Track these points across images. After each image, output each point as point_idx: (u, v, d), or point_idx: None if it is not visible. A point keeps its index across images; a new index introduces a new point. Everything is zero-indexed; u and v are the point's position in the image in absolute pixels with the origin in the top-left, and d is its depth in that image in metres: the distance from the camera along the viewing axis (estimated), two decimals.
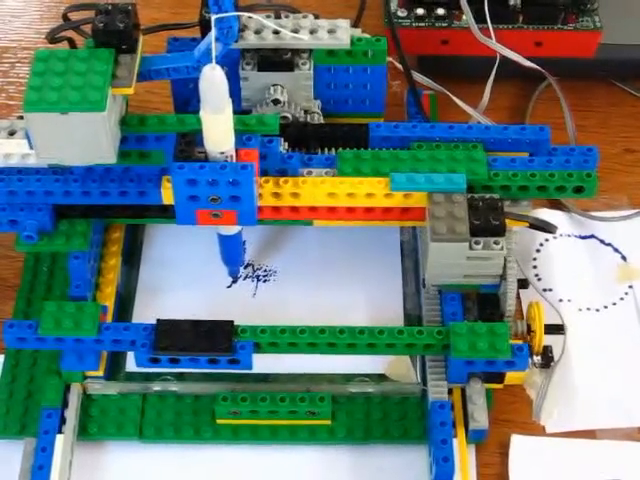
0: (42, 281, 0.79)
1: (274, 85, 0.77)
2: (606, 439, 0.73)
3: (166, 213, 0.72)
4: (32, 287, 0.79)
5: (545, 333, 0.70)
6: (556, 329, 0.72)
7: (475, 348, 0.68)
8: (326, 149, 0.76)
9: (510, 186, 0.72)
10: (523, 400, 0.74)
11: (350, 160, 0.72)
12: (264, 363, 0.72)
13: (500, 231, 0.69)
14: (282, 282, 0.80)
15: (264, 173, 0.71)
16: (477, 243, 0.69)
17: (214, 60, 0.63)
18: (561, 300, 0.79)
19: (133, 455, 0.73)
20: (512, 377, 0.71)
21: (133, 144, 0.70)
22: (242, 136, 0.69)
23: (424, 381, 0.73)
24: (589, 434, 0.73)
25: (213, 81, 0.63)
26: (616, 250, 0.82)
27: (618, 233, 0.83)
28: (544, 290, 0.79)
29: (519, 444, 0.72)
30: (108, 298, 0.76)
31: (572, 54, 0.88)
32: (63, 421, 0.71)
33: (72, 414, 0.72)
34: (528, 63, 0.83)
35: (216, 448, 0.73)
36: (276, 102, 0.77)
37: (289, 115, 0.77)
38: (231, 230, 0.74)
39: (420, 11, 0.87)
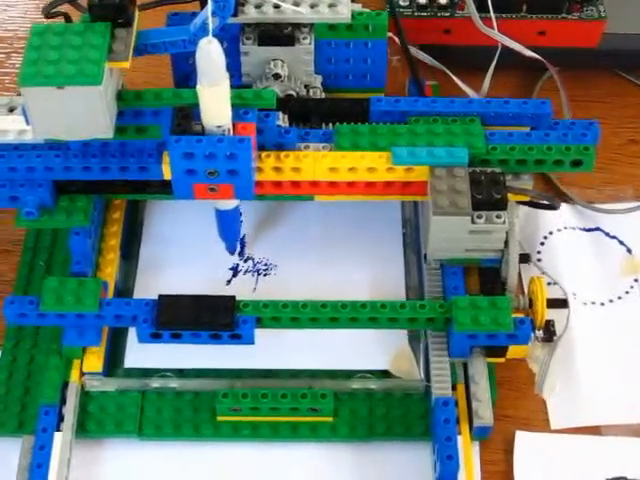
0: (38, 276, 0.77)
1: (274, 60, 0.77)
2: (611, 435, 0.71)
3: (166, 188, 0.72)
4: (28, 282, 0.78)
5: (548, 307, 0.70)
6: (559, 303, 0.72)
7: (477, 321, 0.68)
8: (329, 124, 0.75)
9: (508, 160, 0.71)
10: (527, 396, 0.73)
11: (347, 135, 0.72)
12: (265, 359, 0.72)
13: (502, 205, 0.69)
14: (282, 276, 0.79)
15: (261, 147, 0.71)
16: (479, 217, 0.69)
17: (211, 33, 0.63)
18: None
19: (132, 453, 0.71)
20: (515, 351, 0.70)
21: (130, 119, 0.70)
22: (239, 110, 0.69)
23: (427, 377, 0.72)
24: (594, 430, 0.72)
25: (209, 54, 0.63)
26: (621, 243, 0.81)
27: (623, 226, 0.82)
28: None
29: (524, 441, 0.71)
30: (109, 278, 0.75)
31: (576, 44, 0.87)
32: (61, 418, 0.70)
33: (70, 411, 0.71)
34: (529, 53, 0.83)
35: (216, 445, 0.72)
36: (276, 77, 0.77)
37: (293, 92, 0.77)
38: (228, 205, 0.74)
39: (422, 0, 0.87)
